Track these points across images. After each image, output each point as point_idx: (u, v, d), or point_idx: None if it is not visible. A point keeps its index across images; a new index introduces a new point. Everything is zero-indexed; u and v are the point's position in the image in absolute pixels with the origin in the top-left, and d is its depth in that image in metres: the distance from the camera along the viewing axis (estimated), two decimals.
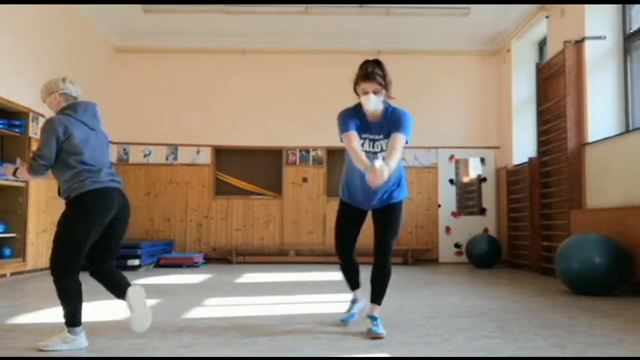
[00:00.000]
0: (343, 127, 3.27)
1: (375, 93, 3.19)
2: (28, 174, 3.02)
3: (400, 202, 3.42)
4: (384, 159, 3.06)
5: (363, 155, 3.14)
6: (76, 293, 2.95)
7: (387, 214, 3.39)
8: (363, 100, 3.23)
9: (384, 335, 3.18)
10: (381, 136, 3.29)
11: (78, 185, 2.94)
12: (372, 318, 3.32)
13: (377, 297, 3.40)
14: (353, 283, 3.67)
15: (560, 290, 5.44)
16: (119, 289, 3.05)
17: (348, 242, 3.52)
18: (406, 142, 3.21)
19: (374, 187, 3.06)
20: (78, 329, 2.95)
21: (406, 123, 3.23)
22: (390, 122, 3.26)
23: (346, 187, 3.47)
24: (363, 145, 3.28)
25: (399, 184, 3.40)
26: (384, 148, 3.28)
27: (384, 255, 3.36)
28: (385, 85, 3.22)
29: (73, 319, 2.94)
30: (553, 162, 7.14)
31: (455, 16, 8.50)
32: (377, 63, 3.23)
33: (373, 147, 3.30)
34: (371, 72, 3.18)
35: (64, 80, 3.17)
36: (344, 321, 3.57)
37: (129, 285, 3.03)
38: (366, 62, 3.24)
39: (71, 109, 3.09)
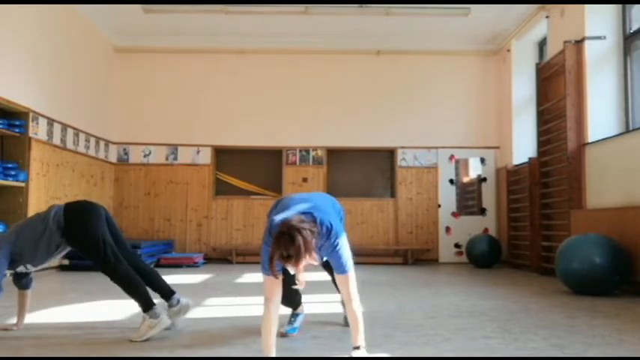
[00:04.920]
0: (266, 265, 2.58)
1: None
2: None
3: None
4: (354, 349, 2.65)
5: (272, 338, 2.57)
6: (132, 275, 3.18)
7: None
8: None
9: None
10: None
11: None
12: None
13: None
14: (294, 304, 3.48)
15: (560, 290, 5.44)
16: (163, 293, 3.39)
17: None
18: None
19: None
20: (156, 310, 3.11)
21: (342, 255, 2.67)
22: (322, 248, 2.68)
23: None
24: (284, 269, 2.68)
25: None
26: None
27: None
28: (309, 253, 2.48)
29: (146, 301, 3.13)
30: (553, 162, 7.14)
31: (455, 16, 8.49)
32: (291, 238, 2.42)
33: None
34: (287, 256, 2.44)
35: None
36: (288, 333, 3.24)
37: (174, 292, 3.41)
38: (279, 238, 2.45)
39: None
